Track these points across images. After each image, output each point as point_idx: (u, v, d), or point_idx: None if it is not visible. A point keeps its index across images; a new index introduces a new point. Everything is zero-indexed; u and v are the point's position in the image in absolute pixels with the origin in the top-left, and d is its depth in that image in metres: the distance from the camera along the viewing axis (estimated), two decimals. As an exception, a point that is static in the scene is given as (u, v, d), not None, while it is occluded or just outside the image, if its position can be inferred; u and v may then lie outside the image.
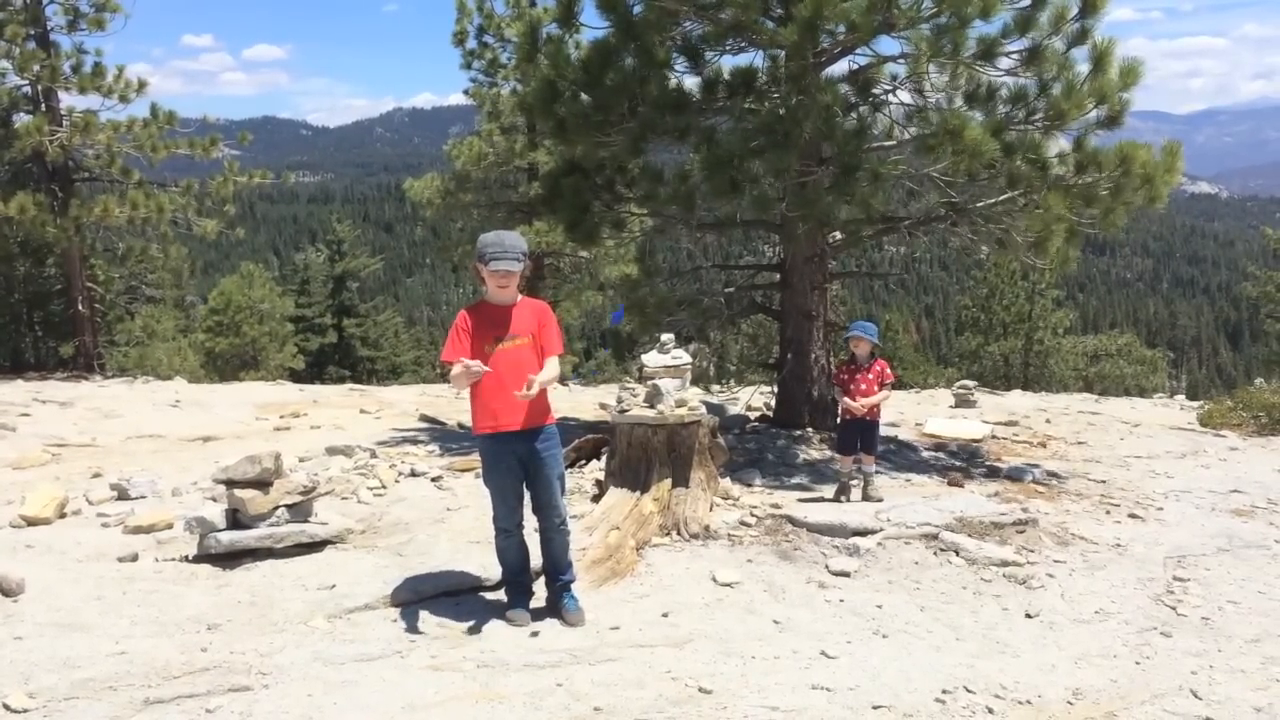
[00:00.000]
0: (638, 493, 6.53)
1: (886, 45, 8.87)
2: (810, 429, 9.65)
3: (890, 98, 9.43)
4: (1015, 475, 8.48)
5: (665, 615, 5.15)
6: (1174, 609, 5.40)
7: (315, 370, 34.90)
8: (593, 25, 9.36)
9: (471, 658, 4.55)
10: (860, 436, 7.43)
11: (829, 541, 6.28)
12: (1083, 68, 8.32)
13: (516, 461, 4.91)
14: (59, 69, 18.80)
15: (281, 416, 12.54)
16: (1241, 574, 5.99)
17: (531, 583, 5.26)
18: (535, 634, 4.87)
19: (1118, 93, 8.29)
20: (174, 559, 5.85)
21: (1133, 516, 7.30)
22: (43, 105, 19.22)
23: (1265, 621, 5.21)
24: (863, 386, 7.36)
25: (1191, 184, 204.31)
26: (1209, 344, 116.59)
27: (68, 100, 19.63)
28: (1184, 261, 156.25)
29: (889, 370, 7.54)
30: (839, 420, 7.96)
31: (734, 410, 11.24)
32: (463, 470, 8.22)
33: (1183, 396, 21.85)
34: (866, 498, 7.33)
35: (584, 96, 9.13)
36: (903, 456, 9.31)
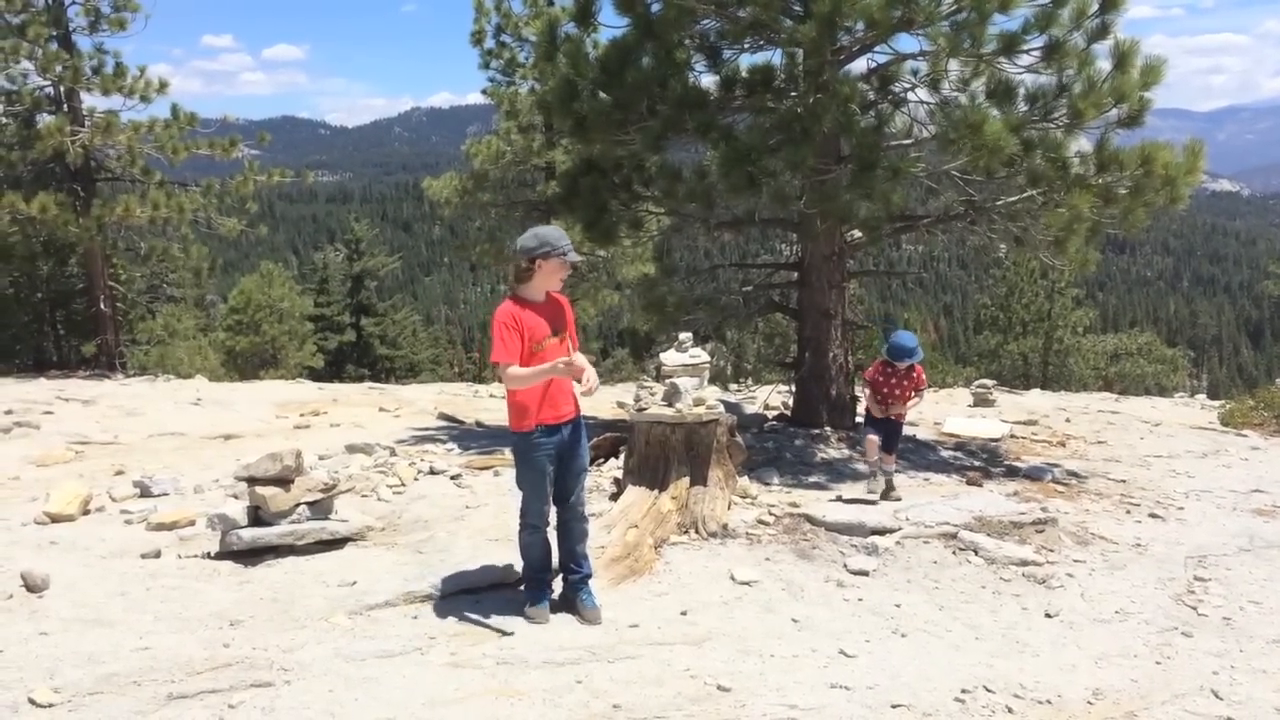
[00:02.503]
0: (656, 491, 6.54)
1: (906, 42, 8.85)
2: (828, 428, 9.64)
3: (909, 95, 9.41)
4: (1034, 474, 8.44)
5: (684, 613, 5.16)
6: (1195, 609, 5.37)
7: (334, 369, 35.08)
8: (611, 24, 9.39)
9: (491, 655, 4.57)
10: (884, 435, 7.36)
11: (847, 540, 6.28)
12: (1104, 64, 8.27)
13: (556, 455, 4.94)
14: (80, 70, 18.94)
15: (301, 415, 12.62)
16: (1263, 574, 5.95)
17: (552, 580, 5.28)
18: (554, 631, 4.88)
19: (1138, 91, 8.23)
20: (196, 556, 5.90)
21: (1153, 516, 7.26)
22: (65, 106, 19.38)
23: (1288, 622, 5.17)
24: (897, 393, 7.26)
25: (1213, 182, 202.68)
26: (1230, 343, 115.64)
27: (89, 101, 19.81)
28: (1205, 260, 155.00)
29: (924, 376, 7.46)
30: (864, 418, 7.76)
31: (752, 409, 11.23)
32: (481, 468, 8.26)
33: (1203, 396, 21.69)
34: (885, 497, 7.29)
35: (602, 95, 9.14)
36: (921, 455, 9.29)
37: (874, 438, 7.31)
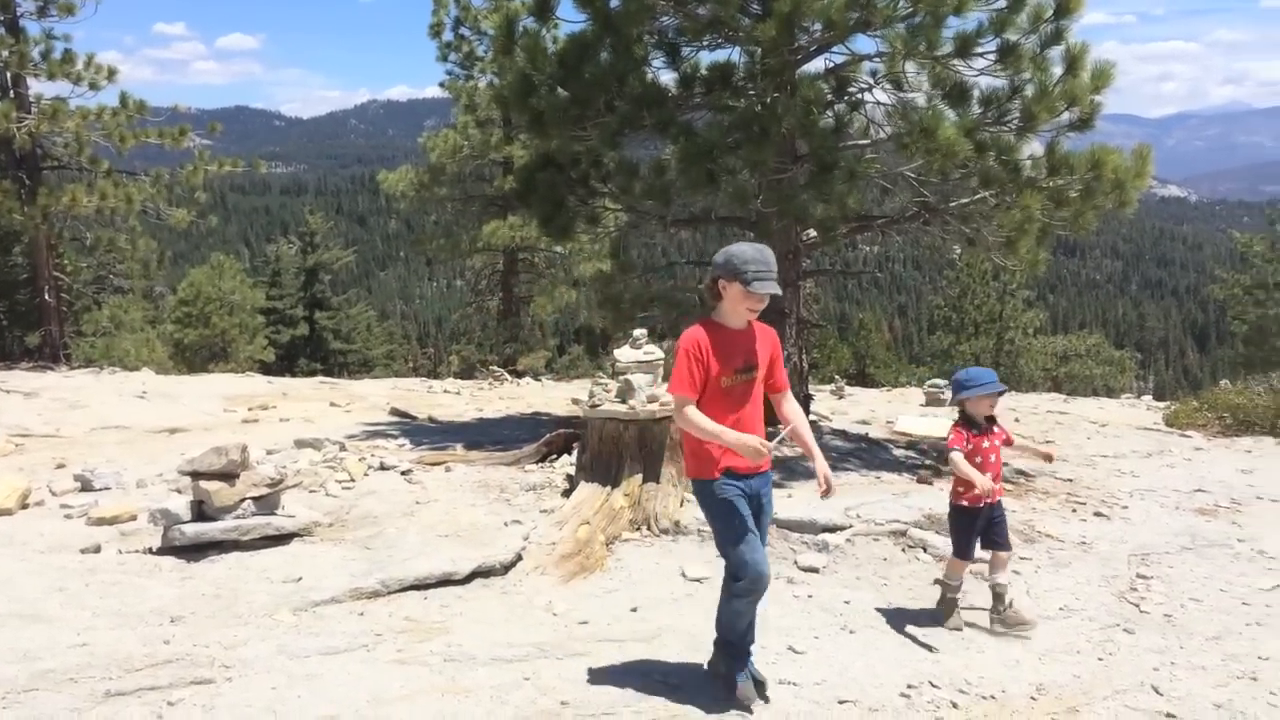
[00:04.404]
0: (608, 488, 6.54)
1: (863, 43, 8.90)
2: (781, 426, 9.66)
3: (866, 96, 9.46)
4: (984, 473, 8.52)
5: (634, 610, 5.16)
6: (1137, 606, 5.45)
7: (286, 363, 34.63)
8: (570, 19, 9.34)
9: (438, 651, 4.53)
10: (987, 527, 5.13)
11: (798, 538, 6.30)
12: (1057, 69, 8.37)
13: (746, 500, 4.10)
14: (27, 55, 18.54)
15: (250, 409, 12.43)
16: (1204, 572, 6.06)
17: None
18: (501, 628, 4.85)
19: (1089, 95, 8.34)
20: (137, 551, 5.79)
21: (1098, 515, 7.37)
22: (11, 92, 18.95)
23: (1226, 619, 5.27)
24: (991, 459, 5.07)
25: (1161, 187, 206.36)
26: (1176, 345, 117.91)
27: (36, 87, 19.41)
28: (1153, 264, 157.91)
29: (1008, 432, 5.27)
30: (951, 509, 5.27)
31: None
32: (432, 464, 8.18)
33: (1149, 397, 22.09)
34: (1002, 624, 5.06)
35: (560, 90, 9.09)
36: (874, 454, 9.35)
37: (963, 563, 5.23)
